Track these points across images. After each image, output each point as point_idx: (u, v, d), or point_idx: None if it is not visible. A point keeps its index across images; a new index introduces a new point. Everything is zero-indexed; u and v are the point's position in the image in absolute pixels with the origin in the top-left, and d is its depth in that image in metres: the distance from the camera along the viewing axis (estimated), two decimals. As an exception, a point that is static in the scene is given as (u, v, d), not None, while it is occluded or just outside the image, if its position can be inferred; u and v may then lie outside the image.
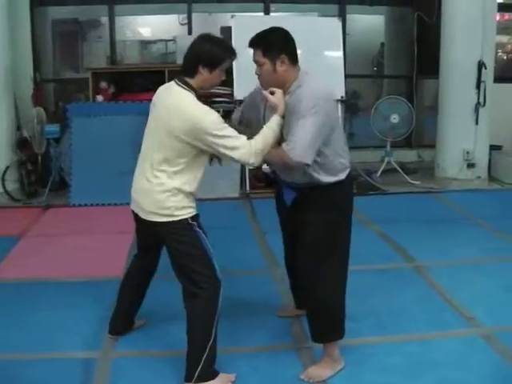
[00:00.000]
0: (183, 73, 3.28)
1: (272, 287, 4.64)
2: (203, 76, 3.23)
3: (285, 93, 3.29)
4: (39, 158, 7.51)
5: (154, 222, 3.33)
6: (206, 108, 3.18)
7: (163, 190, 3.25)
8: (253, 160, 3.19)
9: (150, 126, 3.42)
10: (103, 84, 8.01)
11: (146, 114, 7.04)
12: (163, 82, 7.66)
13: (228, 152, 3.17)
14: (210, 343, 3.27)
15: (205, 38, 3.31)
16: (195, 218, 3.33)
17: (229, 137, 3.15)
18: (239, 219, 6.57)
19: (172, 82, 3.34)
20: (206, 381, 3.28)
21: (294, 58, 3.30)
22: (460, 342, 3.82)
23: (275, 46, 3.25)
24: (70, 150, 7.32)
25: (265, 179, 7.51)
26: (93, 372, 3.48)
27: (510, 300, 4.45)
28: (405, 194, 7.65)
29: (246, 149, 3.15)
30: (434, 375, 3.41)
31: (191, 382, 3.26)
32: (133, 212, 3.53)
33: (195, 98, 3.21)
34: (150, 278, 3.91)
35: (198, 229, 3.31)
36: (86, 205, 7.06)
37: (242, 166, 7.36)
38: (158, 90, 3.48)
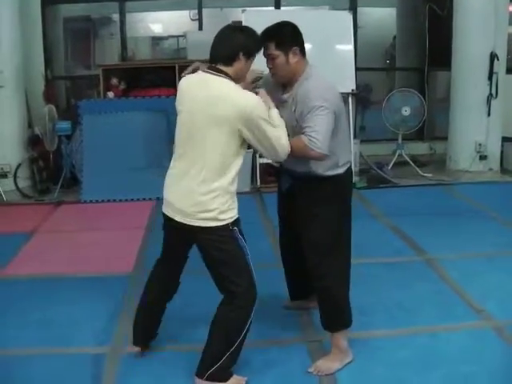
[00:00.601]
0: (217, 61, 3.10)
1: (282, 281, 4.62)
2: (241, 64, 3.12)
3: (293, 84, 3.34)
4: (51, 155, 7.54)
5: (192, 227, 3.13)
6: (253, 94, 3.11)
7: (207, 190, 3.07)
8: (286, 154, 3.14)
9: (185, 122, 3.17)
10: (114, 80, 8.02)
11: (156, 110, 7.27)
12: (174, 78, 7.86)
13: (273, 141, 3.07)
14: (233, 349, 3.18)
15: (239, 28, 3.27)
16: (237, 222, 3.17)
17: (274, 125, 3.10)
18: (250, 213, 6.55)
19: (203, 73, 3.16)
20: (218, 381, 3.21)
21: (303, 50, 3.37)
22: (471, 335, 3.80)
23: (287, 38, 3.31)
24: (81, 147, 7.35)
25: (275, 173, 7.51)
26: (103, 367, 3.50)
27: (522, 293, 4.41)
28: (416, 186, 7.61)
29: (285, 139, 3.11)
30: (445, 369, 3.39)
31: (202, 378, 3.21)
32: (165, 216, 3.30)
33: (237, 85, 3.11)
34: (168, 296, 3.64)
35: (239, 235, 3.17)
36: (97, 201, 7.09)
37: (253, 161, 7.35)
38: (183, 85, 3.27)
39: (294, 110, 3.30)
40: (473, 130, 7.88)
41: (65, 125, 7.50)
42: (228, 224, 3.11)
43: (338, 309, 3.50)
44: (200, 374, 3.22)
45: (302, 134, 3.17)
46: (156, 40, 11.22)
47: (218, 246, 3.13)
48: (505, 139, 8.20)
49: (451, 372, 3.37)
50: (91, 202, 7.09)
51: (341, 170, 3.45)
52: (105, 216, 6.60)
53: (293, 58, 3.30)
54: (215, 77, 3.08)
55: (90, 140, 7.30)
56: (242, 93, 3.05)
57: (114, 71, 8.23)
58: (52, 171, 7.63)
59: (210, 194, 3.06)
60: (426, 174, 8.08)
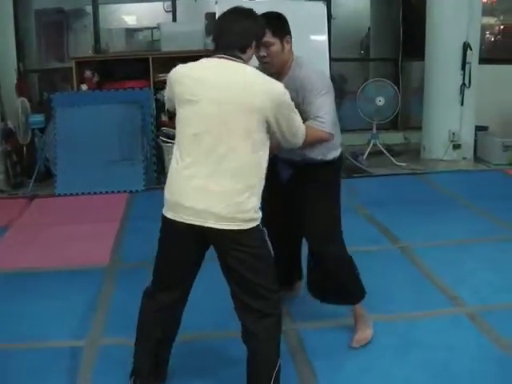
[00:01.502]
0: (233, 48, 2.81)
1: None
2: (251, 51, 2.92)
3: (284, 73, 3.38)
4: (24, 148, 7.47)
5: (222, 231, 2.73)
6: (278, 82, 2.89)
7: (243, 188, 2.75)
8: (303, 139, 3.02)
9: (208, 112, 2.75)
10: (87, 73, 7.96)
11: (130, 102, 7.23)
12: (148, 70, 7.82)
13: (297, 127, 2.92)
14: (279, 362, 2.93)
15: (250, 14, 2.96)
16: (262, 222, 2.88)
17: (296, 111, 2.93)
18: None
19: (218, 59, 2.83)
20: None
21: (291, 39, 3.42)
22: (445, 321, 3.85)
23: (282, 26, 3.35)
24: (54, 140, 7.29)
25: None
26: (80, 360, 3.49)
27: (495, 280, 4.47)
28: (391, 176, 7.67)
29: (303, 125, 3.00)
30: (420, 355, 3.44)
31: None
32: (180, 225, 2.83)
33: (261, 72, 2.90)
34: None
35: (267, 237, 2.93)
36: (71, 194, 7.04)
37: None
38: (194, 71, 2.88)
39: (295, 96, 3.18)
40: (446, 120, 7.95)
41: (38, 118, 7.43)
42: (259, 224, 2.82)
43: (356, 280, 3.69)
44: None
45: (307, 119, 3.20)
46: (130, 32, 11.13)
47: (249, 250, 2.78)
48: (478, 128, 8.27)
49: (426, 358, 3.41)
50: (65, 195, 7.04)
51: (337, 153, 3.56)
52: (79, 209, 6.56)
53: (286, 46, 3.34)
54: (235, 63, 2.80)
55: (63, 133, 7.24)
56: (270, 80, 2.83)
57: (88, 63, 8.17)
58: (26, 165, 7.56)
59: (245, 192, 2.74)
60: (400, 164, 8.13)
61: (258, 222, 2.80)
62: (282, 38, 3.31)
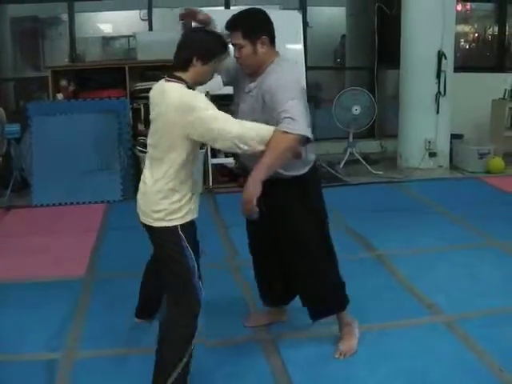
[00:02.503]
0: (175, 68, 3.04)
1: (230, 280, 4.67)
2: (197, 69, 3.01)
3: (259, 74, 3.25)
4: (0, 158, 7.40)
5: (146, 225, 3.21)
6: (195, 91, 3.01)
7: (157, 190, 3.05)
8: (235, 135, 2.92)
9: (151, 125, 3.12)
10: (63, 82, 7.92)
11: (106, 111, 7.20)
12: (124, 79, 7.81)
13: (215, 134, 2.92)
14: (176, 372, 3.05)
15: (196, 30, 3.21)
16: (186, 227, 3.11)
17: (216, 113, 2.93)
18: (202, 214, 6.54)
19: (162, 81, 3.07)
20: None
21: (273, 39, 3.26)
22: (421, 330, 3.86)
23: (255, 26, 3.20)
24: (30, 150, 7.23)
25: (229, 174, 7.52)
26: (56, 373, 3.46)
27: (472, 287, 4.50)
28: (368, 184, 7.69)
29: (237, 133, 2.93)
30: (394, 364, 3.44)
31: None
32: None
33: (185, 88, 2.99)
34: None
35: (185, 243, 3.09)
36: (48, 205, 6.98)
37: (205, 161, 7.33)
38: (150, 93, 3.16)
39: (262, 101, 3.19)
40: (422, 128, 8.01)
41: (14, 127, 7.35)
42: (177, 226, 3.09)
43: (332, 289, 3.60)
44: None
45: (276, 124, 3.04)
46: (106, 40, 11.11)
47: (163, 246, 3.20)
48: (454, 136, 8.35)
49: (401, 367, 3.41)
50: (42, 205, 6.98)
51: (304, 170, 3.40)
52: (56, 219, 6.51)
53: (261, 48, 3.19)
54: (168, 84, 3.02)
55: (39, 143, 7.18)
56: (185, 92, 2.96)
57: (64, 72, 8.13)
58: (1, 175, 7.48)
59: (158, 194, 3.07)
60: (377, 172, 8.17)
61: (170, 224, 3.08)
62: (255, 40, 3.17)
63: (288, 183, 3.37)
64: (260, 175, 2.99)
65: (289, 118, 2.99)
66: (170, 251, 3.13)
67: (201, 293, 3.16)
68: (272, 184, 3.17)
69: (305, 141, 3.07)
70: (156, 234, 3.16)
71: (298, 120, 2.99)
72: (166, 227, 3.09)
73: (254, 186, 2.97)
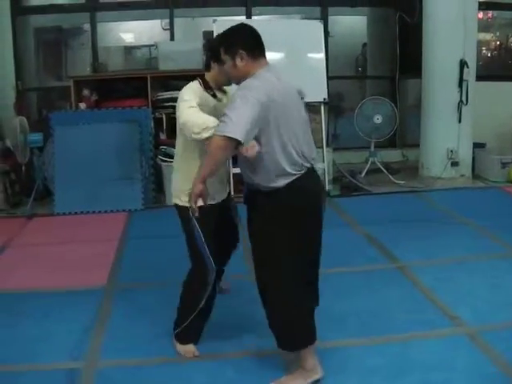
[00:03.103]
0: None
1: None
2: (214, 70, 3.65)
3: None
4: (23, 167, 7.46)
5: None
6: (191, 86, 3.64)
7: (175, 170, 3.79)
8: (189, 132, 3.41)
9: None
10: (85, 92, 7.99)
11: (128, 121, 7.24)
12: (146, 88, 7.84)
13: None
14: (186, 323, 3.72)
15: (220, 34, 3.51)
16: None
17: (188, 104, 3.48)
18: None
19: None
20: (178, 342, 3.78)
21: (253, 53, 3.30)
22: (443, 342, 3.82)
23: (232, 43, 3.32)
24: (53, 159, 7.29)
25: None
26: (77, 382, 3.46)
27: (495, 298, 4.45)
28: (389, 194, 7.67)
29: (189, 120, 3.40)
30: (416, 376, 3.41)
31: (174, 334, 3.83)
32: None
33: (193, 85, 3.66)
34: None
35: (194, 223, 3.51)
36: (70, 213, 7.04)
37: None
38: None
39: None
40: (444, 137, 7.96)
41: (36, 137, 7.43)
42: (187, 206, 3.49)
43: (289, 326, 3.39)
44: (174, 330, 3.83)
45: None
46: (128, 50, 11.17)
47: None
48: (476, 145, 8.29)
49: (423, 379, 3.38)
50: (64, 214, 7.03)
51: (278, 184, 3.24)
52: (78, 228, 6.55)
53: (240, 62, 3.28)
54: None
55: (62, 152, 7.25)
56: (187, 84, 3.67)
57: (86, 82, 8.20)
58: (24, 184, 7.55)
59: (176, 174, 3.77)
60: (398, 182, 8.14)
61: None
62: (234, 55, 3.29)
63: (265, 198, 3.30)
64: (198, 175, 3.29)
65: (223, 120, 3.08)
66: (184, 227, 3.70)
67: (210, 270, 3.61)
68: (252, 195, 3.39)
69: (237, 143, 3.05)
70: (176, 209, 3.76)
71: (229, 122, 3.03)
72: (180, 206, 3.69)
73: (193, 186, 3.29)
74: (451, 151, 7.92)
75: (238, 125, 3.02)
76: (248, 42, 3.31)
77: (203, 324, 3.81)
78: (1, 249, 5.85)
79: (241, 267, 4.69)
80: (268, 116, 3.12)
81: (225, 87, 3.82)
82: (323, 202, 3.42)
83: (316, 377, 3.40)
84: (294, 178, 3.25)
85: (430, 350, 3.70)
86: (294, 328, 3.38)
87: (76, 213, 7.05)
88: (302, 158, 3.26)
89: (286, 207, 3.26)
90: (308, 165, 3.31)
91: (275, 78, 3.26)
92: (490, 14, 10.28)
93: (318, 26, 7.82)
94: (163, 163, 7.31)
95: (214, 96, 3.71)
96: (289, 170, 3.23)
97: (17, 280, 5.08)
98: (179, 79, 7.94)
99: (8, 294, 4.79)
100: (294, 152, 3.21)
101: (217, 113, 3.48)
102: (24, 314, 4.37)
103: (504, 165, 8.09)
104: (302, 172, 3.27)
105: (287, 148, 3.21)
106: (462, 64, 7.76)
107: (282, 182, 3.24)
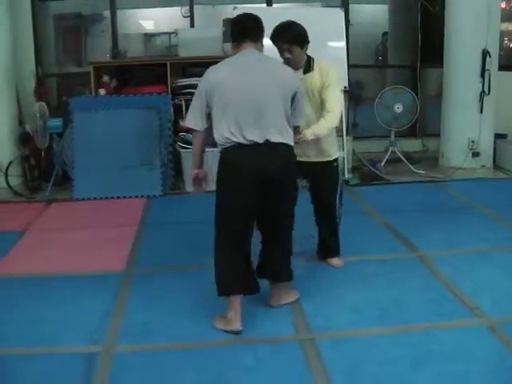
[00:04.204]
0: None
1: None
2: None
3: None
4: (42, 152, 7.49)
5: None
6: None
7: None
8: None
9: None
10: (105, 78, 8.00)
11: (148, 107, 7.24)
12: (165, 75, 7.83)
13: None
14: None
15: None
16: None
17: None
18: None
19: None
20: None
21: (237, 41, 3.89)
22: (464, 332, 3.79)
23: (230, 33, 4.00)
24: (72, 145, 7.31)
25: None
26: (95, 366, 3.47)
27: (515, 290, 4.41)
28: (409, 183, 7.60)
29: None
30: (437, 366, 3.38)
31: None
32: None
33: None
34: None
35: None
36: (89, 199, 7.05)
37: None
38: None
39: None
40: (465, 127, 7.88)
41: (56, 122, 7.45)
42: None
43: (217, 272, 3.89)
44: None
45: None
46: (148, 37, 11.17)
47: None
48: (497, 136, 8.20)
49: (443, 370, 3.35)
50: (83, 199, 7.05)
51: (222, 148, 3.79)
52: (96, 214, 6.57)
53: (230, 50, 4.06)
54: None
55: (81, 137, 7.27)
56: None
57: (106, 68, 8.21)
58: (43, 169, 7.57)
59: None
60: (418, 171, 8.07)
61: None
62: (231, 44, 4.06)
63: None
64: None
65: None
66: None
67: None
68: None
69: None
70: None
71: (188, 114, 3.93)
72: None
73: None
74: (472, 141, 7.84)
75: (191, 115, 3.89)
76: (234, 32, 3.90)
77: None
78: (20, 233, 5.88)
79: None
80: (211, 94, 3.74)
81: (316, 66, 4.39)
82: (265, 176, 3.73)
83: (231, 328, 3.76)
84: (228, 146, 3.75)
85: (450, 341, 3.67)
86: (219, 274, 3.87)
87: (95, 198, 7.06)
88: (236, 136, 3.71)
89: (220, 166, 3.83)
90: (244, 141, 3.71)
91: (242, 61, 3.82)
92: (512, 4, 10.16)
93: (339, 13, 7.75)
94: (182, 150, 7.30)
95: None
96: (223, 141, 3.76)
97: (36, 264, 5.11)
98: (199, 66, 7.94)
99: (27, 278, 4.81)
100: (232, 128, 3.70)
101: None
102: (43, 298, 4.39)
103: (525, 156, 8.01)
104: (234, 144, 3.73)
105: (225, 123, 3.72)
106: (485, 54, 7.67)
107: (220, 148, 3.83)
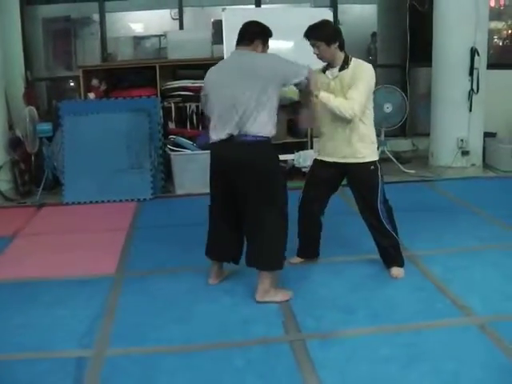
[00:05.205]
0: None
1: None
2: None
3: None
4: (32, 157, 7.47)
5: None
6: None
7: None
8: None
9: None
10: (95, 81, 7.99)
11: (138, 110, 7.23)
12: (155, 78, 7.82)
13: None
14: None
15: None
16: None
17: None
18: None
19: None
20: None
21: (236, 44, 4.32)
22: (454, 331, 3.80)
23: None
24: (62, 149, 7.29)
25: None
26: (86, 370, 3.46)
27: (505, 288, 4.41)
28: (399, 183, 7.61)
29: None
30: (427, 365, 3.39)
31: None
32: None
33: None
34: None
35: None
36: (79, 203, 7.05)
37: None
38: None
39: None
40: (455, 126, 7.90)
41: (46, 126, 7.44)
42: None
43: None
44: None
45: None
46: (137, 39, 11.13)
47: None
48: (486, 134, 8.23)
49: (434, 369, 3.36)
50: (73, 203, 7.04)
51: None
52: (87, 218, 6.56)
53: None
54: None
55: (71, 141, 7.26)
56: None
57: (95, 72, 8.20)
58: (34, 173, 7.56)
59: None
60: (408, 171, 8.10)
61: None
62: None
63: None
64: None
65: None
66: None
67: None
68: None
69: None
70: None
71: None
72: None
73: None
74: (461, 140, 7.87)
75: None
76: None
77: None
78: (10, 238, 5.86)
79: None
80: (209, 94, 4.25)
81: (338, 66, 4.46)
82: (231, 167, 4.14)
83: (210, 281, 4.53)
84: (214, 141, 4.20)
85: (441, 340, 3.68)
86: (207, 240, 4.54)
87: (85, 202, 7.06)
88: (217, 130, 4.14)
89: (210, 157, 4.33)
90: (222, 136, 4.10)
91: (224, 62, 4.51)
92: (502, 2, 10.18)
93: (327, 13, 7.76)
94: (172, 153, 7.30)
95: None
96: (213, 136, 4.20)
97: (26, 269, 5.09)
98: (188, 68, 7.95)
99: (18, 282, 4.80)
100: (215, 121, 4.15)
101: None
102: (34, 303, 4.38)
103: (515, 154, 8.05)
104: (218, 140, 4.15)
105: (216, 115, 4.15)
106: (473, 52, 7.69)
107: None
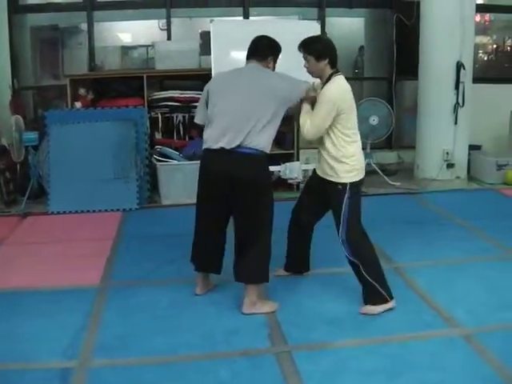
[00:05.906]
0: None
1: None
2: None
3: None
4: (18, 166, 7.43)
5: None
6: None
7: None
8: None
9: None
10: (82, 91, 7.97)
11: (124, 120, 7.22)
12: (142, 88, 7.82)
13: None
14: None
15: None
16: None
17: None
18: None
19: None
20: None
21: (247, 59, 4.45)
22: (439, 343, 3.82)
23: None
24: (48, 158, 7.26)
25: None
26: (70, 381, 3.43)
27: (490, 300, 4.45)
28: (385, 195, 7.66)
29: None
30: (413, 377, 3.40)
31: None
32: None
33: None
34: None
35: None
36: (64, 212, 7.00)
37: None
38: None
39: None
40: (440, 139, 7.95)
41: (32, 135, 7.38)
42: None
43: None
44: None
45: None
46: (125, 49, 11.13)
47: None
48: (471, 147, 8.29)
49: (420, 380, 3.38)
50: (59, 213, 7.00)
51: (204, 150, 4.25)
52: (72, 227, 6.51)
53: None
54: None
55: (57, 151, 7.22)
56: None
57: (82, 81, 8.18)
58: (19, 182, 7.51)
59: None
60: (394, 183, 8.13)
61: None
62: None
63: None
64: None
65: None
66: None
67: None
68: None
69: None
70: None
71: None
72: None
73: None
74: (447, 153, 7.91)
75: (197, 112, 4.54)
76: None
77: None
78: (-5, 247, 5.82)
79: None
80: (206, 99, 4.32)
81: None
82: (226, 179, 4.12)
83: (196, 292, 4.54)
84: (208, 149, 4.19)
85: (426, 351, 3.70)
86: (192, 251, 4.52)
87: (70, 212, 7.01)
88: (213, 138, 4.14)
89: (201, 173, 4.33)
90: (216, 146, 4.11)
91: (236, 72, 4.36)
92: (487, 17, 10.30)
93: (315, 26, 7.80)
94: (158, 163, 7.29)
95: None
96: (209, 144, 4.19)
97: (10, 279, 5.04)
98: (175, 79, 7.95)
99: (1, 292, 4.75)
100: (211, 130, 4.19)
101: None
102: (17, 313, 4.34)
103: (499, 167, 8.11)
104: (211, 148, 4.16)
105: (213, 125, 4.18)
106: (459, 66, 7.76)
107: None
